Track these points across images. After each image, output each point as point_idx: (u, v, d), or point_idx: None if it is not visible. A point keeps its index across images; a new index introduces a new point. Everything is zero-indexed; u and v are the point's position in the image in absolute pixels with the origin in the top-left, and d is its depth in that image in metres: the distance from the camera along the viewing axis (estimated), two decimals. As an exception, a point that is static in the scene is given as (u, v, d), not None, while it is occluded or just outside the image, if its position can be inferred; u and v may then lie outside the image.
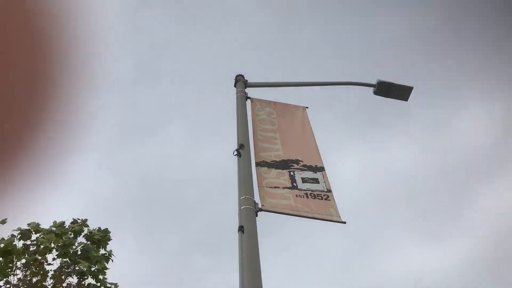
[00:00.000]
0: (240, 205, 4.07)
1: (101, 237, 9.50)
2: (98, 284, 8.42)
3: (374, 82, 7.21)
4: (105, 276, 8.60)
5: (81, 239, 9.36)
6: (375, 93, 7.25)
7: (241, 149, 4.52)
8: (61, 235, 8.24)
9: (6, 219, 8.48)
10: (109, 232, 9.79)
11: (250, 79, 6.35)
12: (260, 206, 4.24)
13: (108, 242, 9.57)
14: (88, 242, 9.31)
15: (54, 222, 8.49)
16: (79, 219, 9.61)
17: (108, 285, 8.81)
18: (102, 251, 9.48)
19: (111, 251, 9.59)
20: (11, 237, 7.98)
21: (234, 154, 4.53)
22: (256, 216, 4.10)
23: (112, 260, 9.53)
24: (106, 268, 8.88)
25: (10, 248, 7.56)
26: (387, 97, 7.30)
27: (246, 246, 3.50)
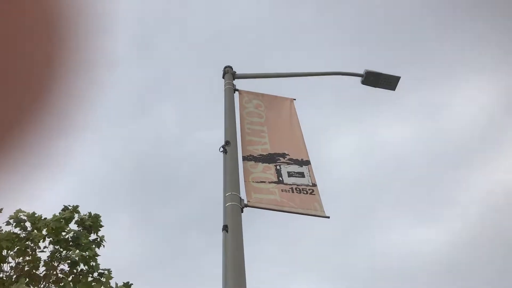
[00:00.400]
0: (225, 202, 4.12)
1: (92, 223, 9.58)
2: (91, 270, 8.53)
3: (362, 72, 7.25)
4: (98, 263, 8.72)
5: (72, 225, 9.44)
6: (363, 83, 7.30)
7: (227, 146, 4.56)
8: (57, 229, 8.31)
9: (2, 208, 8.54)
10: (100, 217, 9.86)
11: (238, 69, 6.37)
12: (246, 202, 4.31)
13: (100, 228, 9.66)
14: (80, 229, 9.39)
15: (54, 215, 8.54)
16: (70, 206, 9.67)
17: (101, 270, 8.93)
18: (93, 236, 9.59)
19: (103, 236, 9.68)
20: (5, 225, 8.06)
21: (220, 150, 4.58)
22: (242, 212, 4.18)
23: (104, 246, 9.64)
24: (97, 255, 8.99)
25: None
26: (375, 87, 7.35)
27: (230, 245, 3.57)
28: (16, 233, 8.35)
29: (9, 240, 7.93)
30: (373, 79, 7.24)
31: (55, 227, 8.15)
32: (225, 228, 3.70)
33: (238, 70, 6.35)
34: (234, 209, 4.09)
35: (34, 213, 8.39)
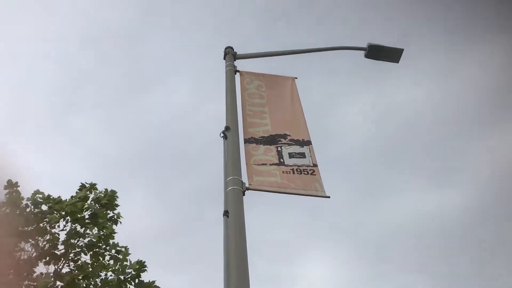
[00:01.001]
0: (226, 187, 4.24)
1: (108, 200, 9.84)
2: (108, 248, 8.87)
3: (365, 45, 7.22)
4: (114, 241, 9.02)
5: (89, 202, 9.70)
6: (366, 56, 7.28)
7: (227, 131, 4.67)
8: (71, 211, 8.57)
9: (17, 181, 8.84)
10: (116, 193, 10.10)
11: (240, 49, 6.40)
12: (247, 185, 4.45)
13: (116, 205, 9.91)
14: (96, 205, 9.67)
15: (71, 198, 8.78)
16: (87, 183, 9.93)
17: (118, 248, 9.24)
18: (110, 214, 9.87)
19: (119, 213, 9.95)
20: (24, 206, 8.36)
21: (221, 136, 4.69)
22: (244, 195, 4.31)
23: (121, 222, 9.92)
24: (115, 232, 9.28)
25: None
26: (378, 60, 7.33)
27: (232, 230, 3.71)
28: (34, 212, 8.63)
29: (29, 220, 8.25)
30: (376, 52, 7.22)
31: (70, 210, 8.43)
32: (225, 213, 3.83)
33: (238, 49, 6.39)
34: (236, 192, 4.21)
35: (49, 196, 8.67)
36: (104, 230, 8.79)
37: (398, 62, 7.32)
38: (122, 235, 10.05)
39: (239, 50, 6.39)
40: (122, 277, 8.51)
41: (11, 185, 8.63)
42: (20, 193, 8.59)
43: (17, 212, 8.19)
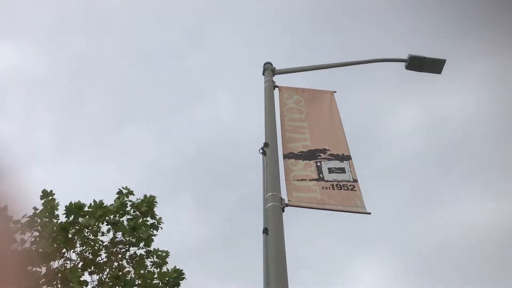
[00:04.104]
0: (265, 203, 4.26)
1: (147, 207, 9.93)
2: (149, 253, 9.01)
3: (405, 57, 7.11)
4: (156, 247, 9.14)
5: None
6: (407, 68, 7.17)
7: (266, 148, 4.70)
8: (104, 215, 8.77)
9: (52, 190, 9.12)
10: (155, 198, 10.17)
11: (279, 63, 6.44)
12: (286, 201, 4.45)
13: (155, 211, 9.98)
14: (136, 212, 9.80)
15: (94, 202, 8.95)
16: (124, 188, 10.04)
17: (159, 252, 9.35)
18: (150, 221, 9.98)
19: (160, 218, 10.00)
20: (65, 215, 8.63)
21: (260, 152, 4.73)
22: (283, 211, 4.32)
23: (162, 228, 10.01)
24: (154, 235, 9.36)
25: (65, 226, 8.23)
26: (420, 71, 7.19)
27: (271, 248, 3.73)
28: (71, 222, 8.80)
29: (65, 228, 8.47)
30: (418, 64, 7.10)
31: (101, 213, 8.61)
32: (265, 231, 3.85)
33: (278, 63, 6.43)
34: (275, 209, 4.22)
35: (84, 205, 8.81)
36: (142, 234, 8.89)
37: (440, 73, 7.16)
38: (165, 242, 10.18)
39: (278, 64, 6.44)
40: (160, 283, 8.65)
41: (47, 194, 8.88)
42: (55, 200, 8.83)
43: (54, 221, 8.45)
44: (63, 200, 9.08)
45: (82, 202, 9.18)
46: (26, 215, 8.33)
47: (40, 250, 7.79)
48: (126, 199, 9.68)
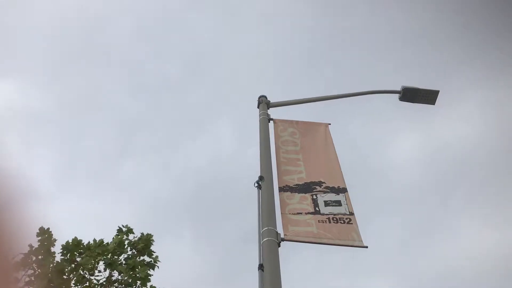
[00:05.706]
0: (261, 238, 4.19)
1: (144, 244, 9.89)
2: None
3: (398, 88, 7.17)
4: (152, 284, 9.01)
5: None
6: (401, 99, 7.21)
7: (261, 181, 4.67)
8: (102, 254, 8.69)
9: (49, 228, 9.02)
10: (152, 237, 10.14)
11: (274, 96, 6.49)
12: (282, 236, 4.38)
13: (152, 250, 9.92)
14: (133, 250, 9.74)
15: (94, 241, 8.93)
16: (124, 227, 10.03)
17: None
18: (147, 259, 9.89)
19: (156, 257, 9.95)
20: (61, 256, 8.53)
21: (255, 185, 4.69)
22: (279, 246, 4.25)
23: (158, 267, 9.92)
24: (150, 275, 9.27)
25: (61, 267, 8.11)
26: (414, 102, 7.24)
27: (267, 284, 3.65)
28: (68, 260, 8.71)
29: (61, 270, 8.37)
30: (411, 95, 7.15)
31: (100, 251, 8.54)
32: (260, 267, 3.77)
33: (273, 96, 6.48)
34: (271, 244, 4.15)
35: (81, 241, 8.76)
36: (139, 274, 8.79)
37: (434, 104, 7.20)
38: (162, 279, 10.01)
39: (276, 96, 6.49)
40: None
41: (43, 232, 8.81)
42: (52, 237, 8.75)
43: (50, 260, 8.34)
44: (60, 235, 9.01)
45: (79, 238, 9.11)
46: (20, 252, 8.21)
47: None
48: (126, 237, 9.65)
